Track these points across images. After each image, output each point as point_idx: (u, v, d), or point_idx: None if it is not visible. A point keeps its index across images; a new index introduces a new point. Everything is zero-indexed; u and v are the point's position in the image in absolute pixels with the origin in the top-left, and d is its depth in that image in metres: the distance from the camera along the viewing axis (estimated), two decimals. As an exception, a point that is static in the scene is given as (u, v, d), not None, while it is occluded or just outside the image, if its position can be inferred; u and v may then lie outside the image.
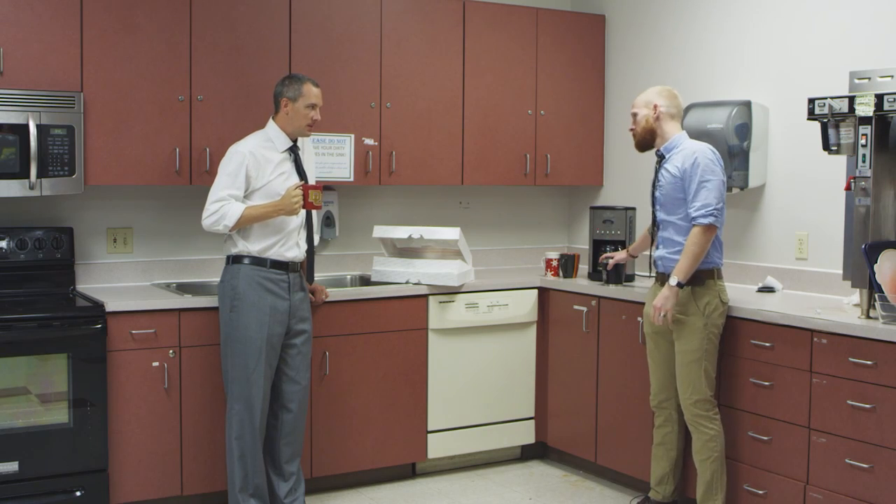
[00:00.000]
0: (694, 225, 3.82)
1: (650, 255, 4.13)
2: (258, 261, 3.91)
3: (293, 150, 4.02)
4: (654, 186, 4.06)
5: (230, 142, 4.08)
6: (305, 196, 3.87)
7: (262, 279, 3.90)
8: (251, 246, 3.91)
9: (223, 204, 3.85)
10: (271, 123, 4.01)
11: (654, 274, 4.16)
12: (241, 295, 3.88)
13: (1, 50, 3.96)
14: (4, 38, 3.97)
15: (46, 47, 4.04)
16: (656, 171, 4.04)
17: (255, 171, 3.89)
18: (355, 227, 5.15)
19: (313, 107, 3.97)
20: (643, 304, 4.41)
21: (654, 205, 4.07)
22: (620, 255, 4.59)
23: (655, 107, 3.97)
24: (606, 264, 4.62)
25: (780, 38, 4.51)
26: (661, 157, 4.03)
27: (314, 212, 4.19)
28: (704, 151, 3.88)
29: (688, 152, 3.90)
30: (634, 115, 4.04)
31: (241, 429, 3.91)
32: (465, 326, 4.78)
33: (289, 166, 3.99)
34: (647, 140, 4.03)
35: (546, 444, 5.09)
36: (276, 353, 3.96)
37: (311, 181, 4.11)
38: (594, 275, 4.89)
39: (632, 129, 4.07)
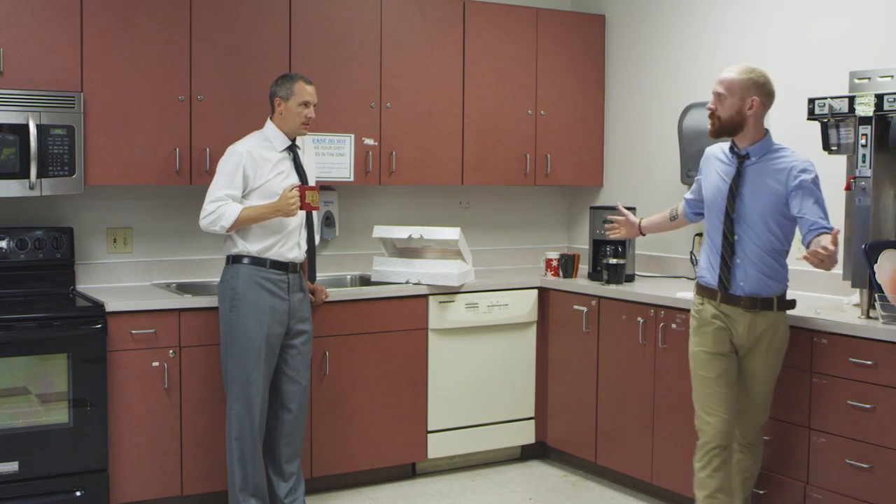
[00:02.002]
0: (828, 232, 3.34)
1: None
2: (258, 261, 3.91)
3: (292, 150, 4.02)
4: (733, 193, 3.53)
5: (230, 142, 4.08)
6: (302, 197, 3.87)
7: (262, 279, 3.90)
8: (251, 246, 3.91)
9: (220, 204, 3.85)
10: (269, 123, 4.02)
11: (702, 287, 3.65)
12: (241, 295, 3.88)
13: (1, 50, 3.96)
14: (4, 38, 3.97)
15: (46, 47, 4.04)
16: (739, 173, 3.53)
17: (252, 170, 3.89)
18: (355, 227, 5.15)
19: (307, 104, 3.97)
20: (643, 304, 4.41)
21: (730, 212, 3.53)
22: (632, 221, 4.06)
23: (753, 102, 3.47)
24: (612, 222, 4.18)
25: (780, 38, 4.51)
26: (744, 157, 3.54)
27: (314, 212, 4.19)
28: (813, 167, 3.49)
29: (800, 167, 3.45)
30: (720, 95, 3.51)
31: (241, 429, 3.91)
32: (465, 326, 4.78)
33: (287, 165, 3.99)
34: (728, 129, 3.53)
35: (546, 444, 5.09)
36: (274, 353, 3.96)
37: (311, 181, 4.11)
38: (594, 275, 4.90)
39: (711, 110, 3.55)
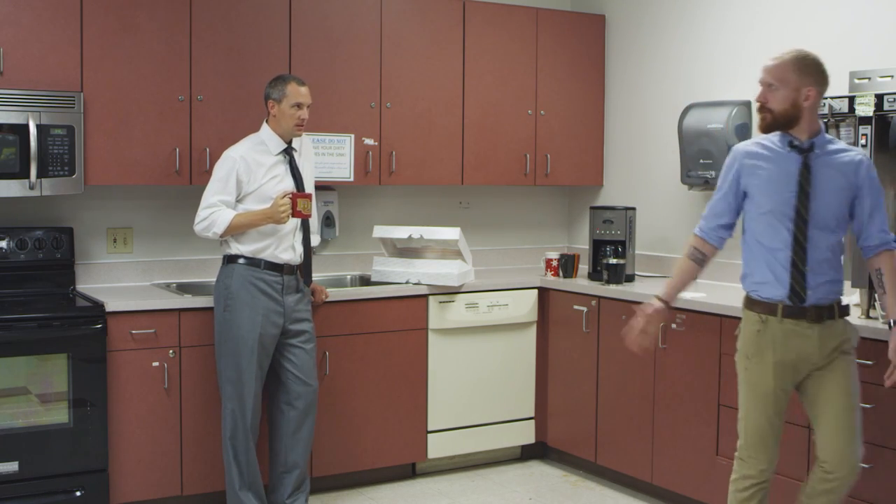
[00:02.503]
0: (889, 250, 3.14)
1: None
2: (252, 261, 3.92)
3: (288, 153, 4.02)
4: (805, 191, 3.13)
5: (230, 142, 4.08)
6: (294, 205, 3.86)
7: (256, 279, 3.90)
8: (244, 247, 3.92)
9: (213, 211, 3.87)
10: (264, 126, 4.03)
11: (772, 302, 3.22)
12: (235, 294, 3.89)
13: (1, 50, 3.96)
14: (4, 38, 3.97)
15: (46, 47, 4.04)
16: (807, 168, 3.13)
17: (245, 175, 3.90)
18: (355, 227, 5.15)
19: (299, 106, 3.96)
20: (643, 304, 4.39)
21: (802, 212, 3.13)
22: (656, 307, 3.39)
23: (809, 94, 3.11)
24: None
25: (780, 37, 4.51)
26: (807, 150, 3.15)
27: (315, 212, 4.20)
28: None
29: (867, 161, 3.16)
30: (770, 85, 3.14)
31: (235, 428, 3.91)
32: (465, 326, 4.78)
33: (283, 169, 3.99)
34: (783, 123, 3.14)
35: (546, 444, 5.09)
36: (267, 354, 3.96)
37: (309, 183, 4.11)
38: (594, 275, 4.90)
39: (761, 102, 3.17)
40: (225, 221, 3.85)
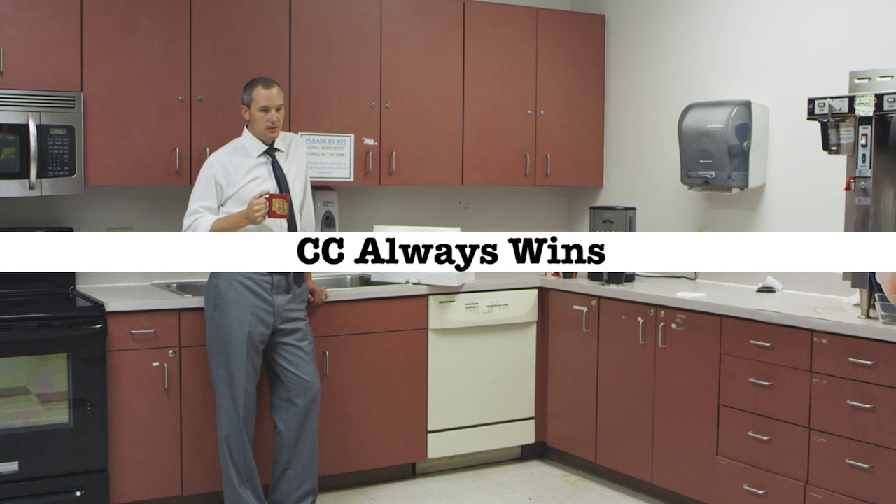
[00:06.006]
0: None
1: None
2: None
3: (270, 154, 4.02)
4: None
5: (229, 141, 4.08)
6: (270, 205, 3.86)
7: (244, 278, 3.91)
8: None
9: (196, 217, 3.90)
10: (245, 129, 4.04)
11: None
12: (223, 294, 3.90)
13: (1, 50, 3.96)
14: (4, 38, 3.97)
15: (46, 47, 4.04)
16: None
17: (224, 179, 3.92)
18: (355, 227, 5.15)
19: (266, 109, 3.94)
20: (643, 304, 4.41)
21: None
22: None
23: None
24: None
25: (780, 37, 4.51)
26: None
27: (311, 213, 4.20)
28: None
29: None
30: None
31: (230, 426, 3.92)
32: (465, 326, 4.78)
33: (264, 171, 3.99)
34: None
35: (546, 444, 5.09)
36: (258, 353, 3.96)
37: (295, 185, 4.08)
38: (594, 275, 4.89)
39: None
40: (206, 227, 3.88)
